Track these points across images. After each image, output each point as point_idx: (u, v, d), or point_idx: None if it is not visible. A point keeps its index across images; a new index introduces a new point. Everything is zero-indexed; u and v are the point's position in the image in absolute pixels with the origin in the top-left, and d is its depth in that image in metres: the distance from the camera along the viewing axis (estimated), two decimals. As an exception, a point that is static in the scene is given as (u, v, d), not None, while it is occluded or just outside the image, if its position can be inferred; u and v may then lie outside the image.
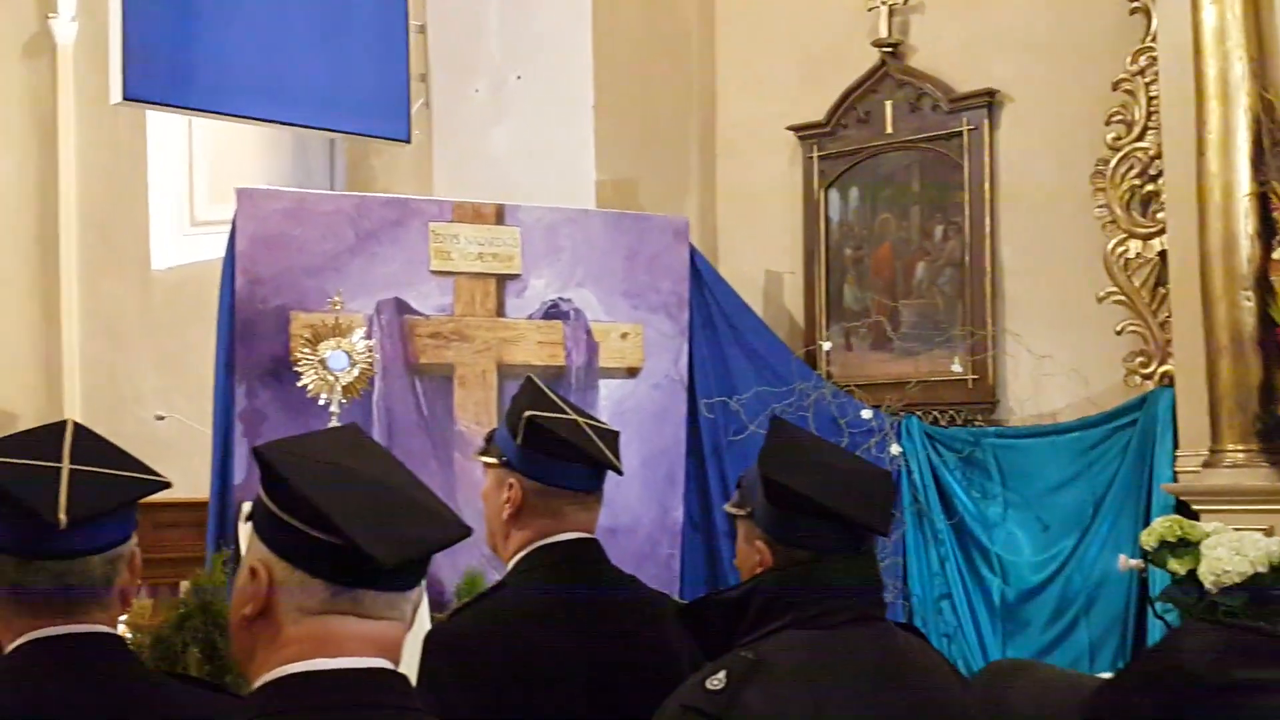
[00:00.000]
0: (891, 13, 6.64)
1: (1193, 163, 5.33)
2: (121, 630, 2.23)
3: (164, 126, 8.57)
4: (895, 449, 6.12)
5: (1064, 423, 6.02)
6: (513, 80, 6.93)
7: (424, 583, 1.69)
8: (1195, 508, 5.27)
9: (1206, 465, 5.32)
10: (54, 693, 1.99)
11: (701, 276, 6.47)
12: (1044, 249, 6.26)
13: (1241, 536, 4.82)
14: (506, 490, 2.70)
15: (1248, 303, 5.19)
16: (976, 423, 6.28)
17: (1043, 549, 5.88)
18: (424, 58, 7.16)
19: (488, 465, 2.78)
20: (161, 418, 7.21)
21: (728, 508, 2.55)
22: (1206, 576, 4.76)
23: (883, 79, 6.69)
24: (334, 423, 5.46)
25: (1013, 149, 6.37)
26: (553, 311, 6.22)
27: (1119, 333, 5.91)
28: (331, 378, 5.47)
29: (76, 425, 2.12)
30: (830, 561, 2.28)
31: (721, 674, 2.19)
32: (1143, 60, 5.83)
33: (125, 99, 6.12)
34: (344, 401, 5.50)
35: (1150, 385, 5.78)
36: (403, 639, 1.67)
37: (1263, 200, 5.20)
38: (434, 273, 6.07)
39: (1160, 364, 5.79)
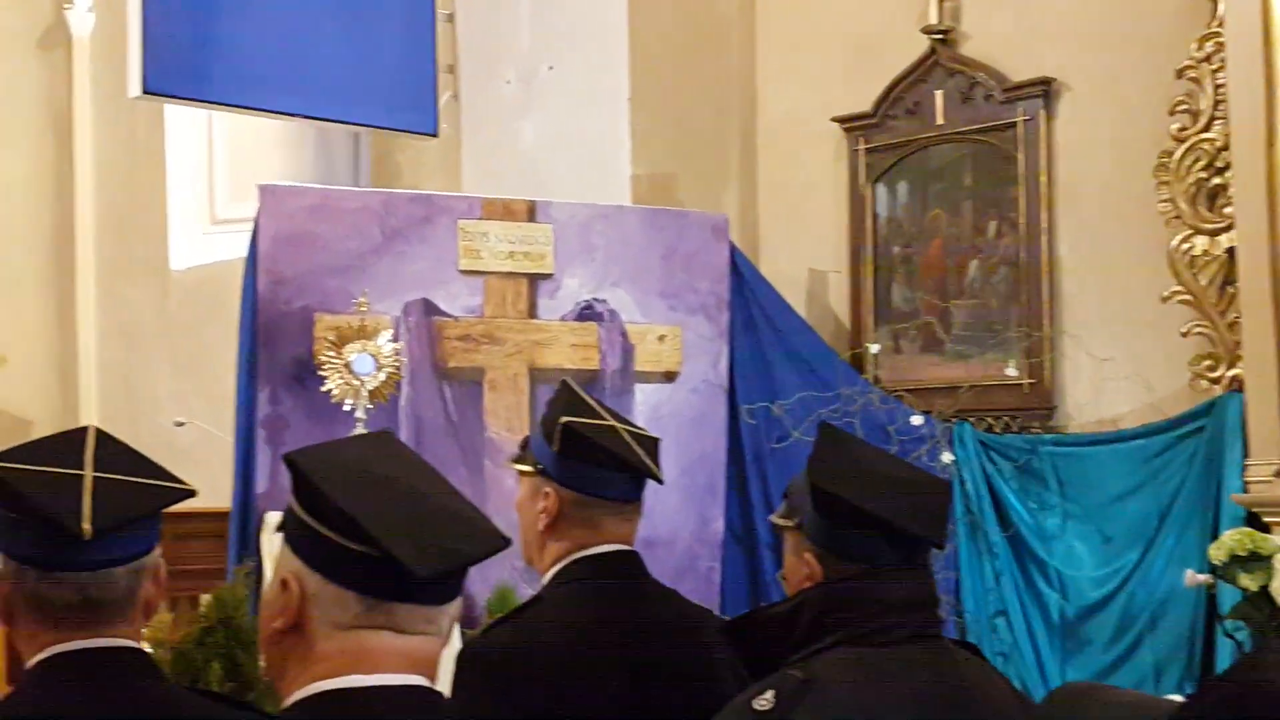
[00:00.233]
0: (942, -3, 6.63)
1: (1263, 154, 5.29)
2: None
3: (183, 121, 8.62)
4: (947, 457, 6.10)
5: (1126, 430, 5.99)
6: (545, 71, 6.94)
7: (460, 596, 1.69)
8: (1267, 520, 5.23)
9: (1279, 475, 5.28)
10: (77, 709, 2.00)
11: (742, 276, 6.46)
12: (1104, 246, 6.22)
13: (1316, 549, 4.78)
14: (542, 500, 2.70)
15: (1322, 302, 5.15)
16: (1033, 430, 6.25)
17: (1104, 563, 5.85)
18: (452, 48, 7.17)
19: (522, 474, 2.78)
20: (180, 424, 7.23)
21: (774, 518, 2.54)
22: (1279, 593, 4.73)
23: (933, 67, 6.67)
24: (359, 429, 5.48)
25: (1070, 140, 6.34)
26: (587, 313, 6.23)
27: (1185, 334, 5.87)
28: (357, 382, 5.49)
29: (98, 431, 2.13)
30: (884, 575, 2.27)
31: (769, 694, 2.18)
32: (1209, 46, 5.78)
33: (144, 92, 6.15)
34: (370, 407, 5.52)
35: (1218, 390, 5.73)
36: (439, 654, 1.67)
37: (1337, 193, 5.16)
38: (463, 272, 6.08)
39: (1229, 367, 5.74)
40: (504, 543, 1.67)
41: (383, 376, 5.53)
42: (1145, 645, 5.68)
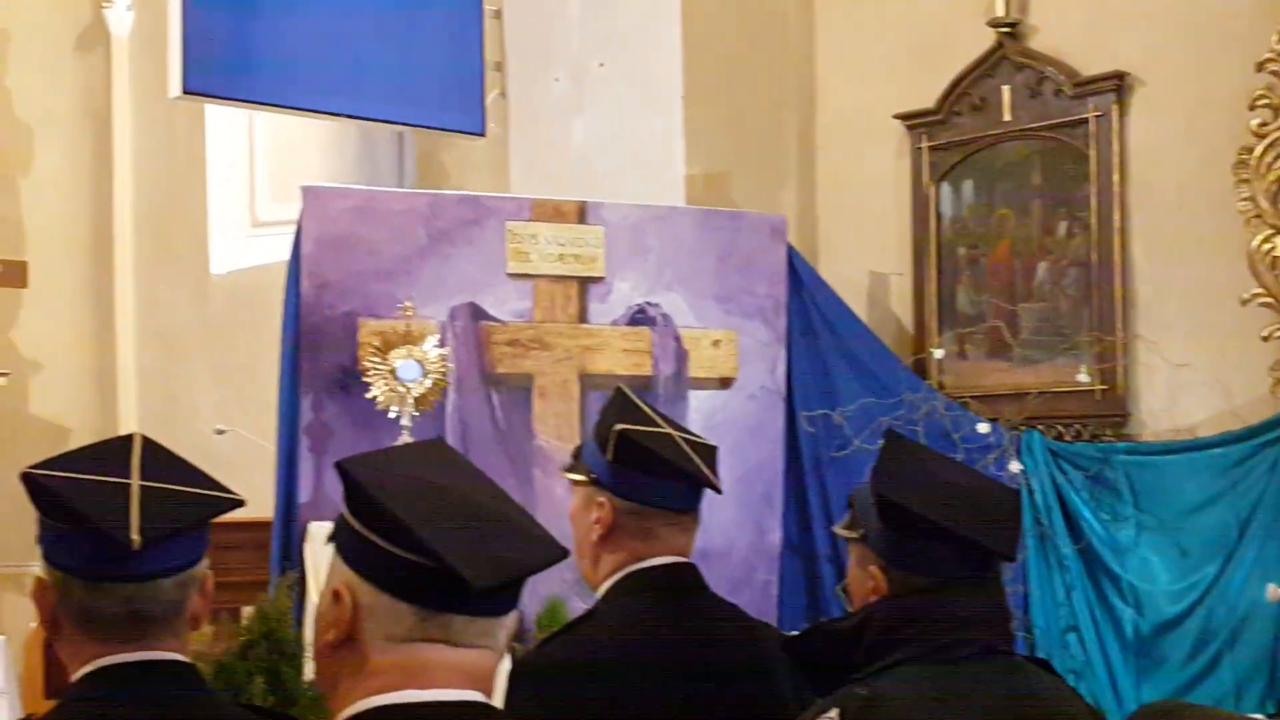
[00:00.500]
0: (1009, -11, 6.61)
1: (1348, 150, 5.24)
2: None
3: (224, 121, 8.69)
4: (1015, 467, 6.08)
5: (1204, 438, 5.95)
6: (595, 68, 6.95)
7: (516, 609, 1.70)
8: (1352, 531, 5.18)
9: (1364, 485, 5.23)
10: (124, 724, 2.02)
11: (800, 279, 6.46)
12: (1180, 246, 6.19)
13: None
14: (596, 510, 2.70)
15: None
16: (1105, 438, 6.22)
17: (1181, 577, 5.81)
18: (500, 44, 7.19)
19: (575, 483, 2.79)
20: (221, 432, 7.29)
21: (838, 529, 2.54)
22: (1365, 608, 4.68)
23: (1000, 61, 6.65)
24: (405, 437, 5.51)
25: (1144, 136, 6.30)
26: (639, 317, 6.24)
27: (1265, 339, 5.83)
28: (402, 389, 5.52)
29: (145, 439, 2.15)
30: (952, 589, 2.27)
31: (834, 712, 2.18)
32: (1290, 37, 5.75)
33: (184, 92, 6.20)
34: (415, 414, 5.55)
35: (1300, 396, 5.69)
36: (495, 668, 1.68)
37: None
38: (511, 276, 6.11)
39: (1312, 372, 5.71)
40: (562, 553, 1.68)
41: (429, 383, 5.56)
42: (1224, 663, 5.64)
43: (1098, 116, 6.36)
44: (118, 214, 9.18)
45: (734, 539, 6.16)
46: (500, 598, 1.66)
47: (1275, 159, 5.81)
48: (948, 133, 6.79)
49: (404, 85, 6.84)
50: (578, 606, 5.27)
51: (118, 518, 2.01)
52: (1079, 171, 6.41)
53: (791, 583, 6.33)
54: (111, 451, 2.13)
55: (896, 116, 6.93)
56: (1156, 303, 6.27)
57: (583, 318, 6.18)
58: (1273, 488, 5.61)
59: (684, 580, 2.70)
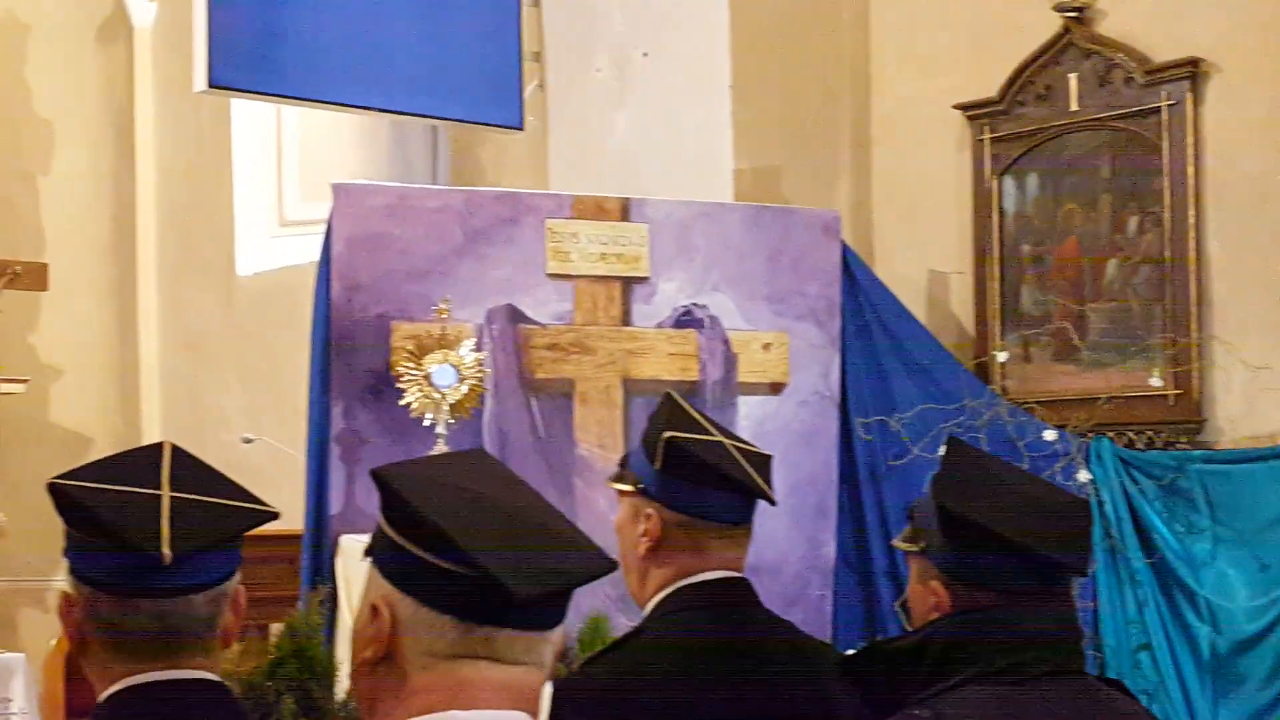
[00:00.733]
0: (1076, -28, 6.59)
1: None
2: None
3: (250, 116, 8.75)
4: (1083, 476, 6.06)
5: (1284, 445, 5.92)
6: (639, 58, 6.96)
7: (563, 625, 1.70)
8: None
9: None
10: (152, 746, 2.04)
11: (855, 278, 6.45)
12: (1258, 242, 6.16)
13: None
14: (644, 522, 2.70)
15: None
16: (1179, 445, 6.20)
17: (1261, 592, 5.78)
18: (538, 34, 7.22)
19: (621, 494, 2.79)
20: (249, 441, 7.35)
21: (897, 542, 2.53)
22: None
23: (1066, 48, 6.63)
24: (440, 446, 5.53)
25: (1220, 126, 6.27)
26: (685, 319, 6.25)
27: (1349, 340, 5.79)
28: (437, 395, 5.55)
29: (174, 448, 2.17)
30: (1019, 605, 2.26)
31: (894, 735, 2.18)
32: (1375, 21, 5.71)
33: (210, 86, 6.25)
34: (451, 421, 5.57)
35: (1387, 401, 5.65)
36: (542, 688, 1.68)
37: None
38: (551, 276, 6.13)
39: (1400, 376, 5.66)
40: (610, 565, 1.68)
41: (465, 389, 5.59)
42: (1307, 684, 5.61)
43: (1170, 105, 6.33)
44: (140, 213, 9.26)
45: (786, 553, 6.16)
46: (545, 611, 1.66)
47: (1360, 149, 5.78)
48: (1011, 124, 6.77)
49: (438, 77, 6.87)
50: (621, 624, 5.28)
51: (148, 531, 2.02)
52: (1151, 164, 6.39)
53: (846, 599, 6.33)
54: (140, 461, 2.14)
55: (957, 107, 6.92)
56: (1233, 302, 6.24)
57: (626, 320, 6.19)
58: (1359, 498, 5.58)
59: (736, 596, 2.70)
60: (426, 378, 5.56)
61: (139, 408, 9.18)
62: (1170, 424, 6.29)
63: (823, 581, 6.28)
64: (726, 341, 6.27)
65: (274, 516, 2.14)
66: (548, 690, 1.76)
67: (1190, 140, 6.30)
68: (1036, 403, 6.42)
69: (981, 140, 6.85)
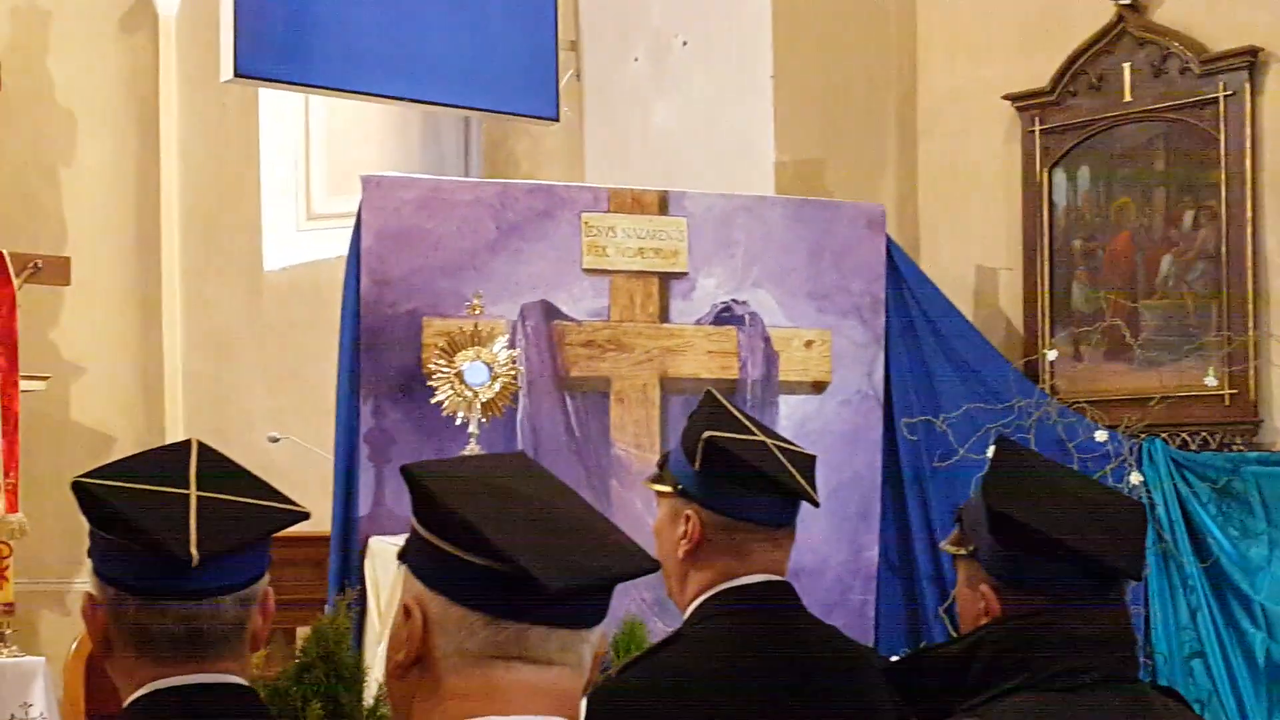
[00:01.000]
0: (1130, -42, 6.56)
1: None
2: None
3: (278, 107, 8.78)
4: (1135, 478, 6.05)
5: (1344, 447, 5.89)
6: (678, 47, 6.97)
7: (602, 625, 1.70)
8: None
9: None
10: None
11: (900, 274, 6.45)
12: (1319, 238, 6.12)
13: None
14: (683, 524, 2.70)
15: None
16: (1235, 446, 6.17)
17: (1320, 599, 5.76)
18: (574, 22, 7.24)
19: (660, 494, 2.79)
20: (275, 440, 7.37)
21: (945, 545, 2.53)
22: None
23: (1120, 37, 6.60)
24: (472, 445, 5.54)
25: (1279, 118, 6.23)
26: (725, 316, 6.25)
27: None
28: (469, 393, 5.56)
29: (202, 446, 2.18)
30: (1071, 610, 2.25)
31: (942, 744, 2.18)
32: None
33: (236, 75, 6.29)
34: (484, 420, 5.58)
35: None
36: (580, 691, 1.68)
37: None
38: (587, 271, 6.13)
39: None
40: (651, 566, 1.68)
41: (498, 387, 5.59)
42: (1367, 695, 5.58)
43: (1228, 96, 6.30)
44: (165, 206, 9.29)
45: (827, 557, 6.15)
46: (581, 608, 1.66)
47: None
48: (1062, 115, 6.75)
49: (471, 67, 6.89)
50: (658, 629, 5.29)
51: (175, 532, 2.03)
52: (1207, 156, 6.36)
53: (890, 604, 6.32)
54: (167, 459, 2.15)
55: (1006, 97, 6.90)
56: (1292, 300, 6.21)
57: (664, 317, 6.19)
58: None
59: (779, 600, 2.70)
60: (458, 375, 5.57)
61: (162, 406, 9.21)
62: (1225, 424, 6.26)
63: (865, 586, 6.28)
64: (767, 339, 6.27)
65: (305, 517, 2.15)
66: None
67: (1248, 132, 6.27)
68: (1087, 402, 6.40)
69: (1032, 132, 6.82)
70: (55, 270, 8.11)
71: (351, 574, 5.74)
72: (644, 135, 6.97)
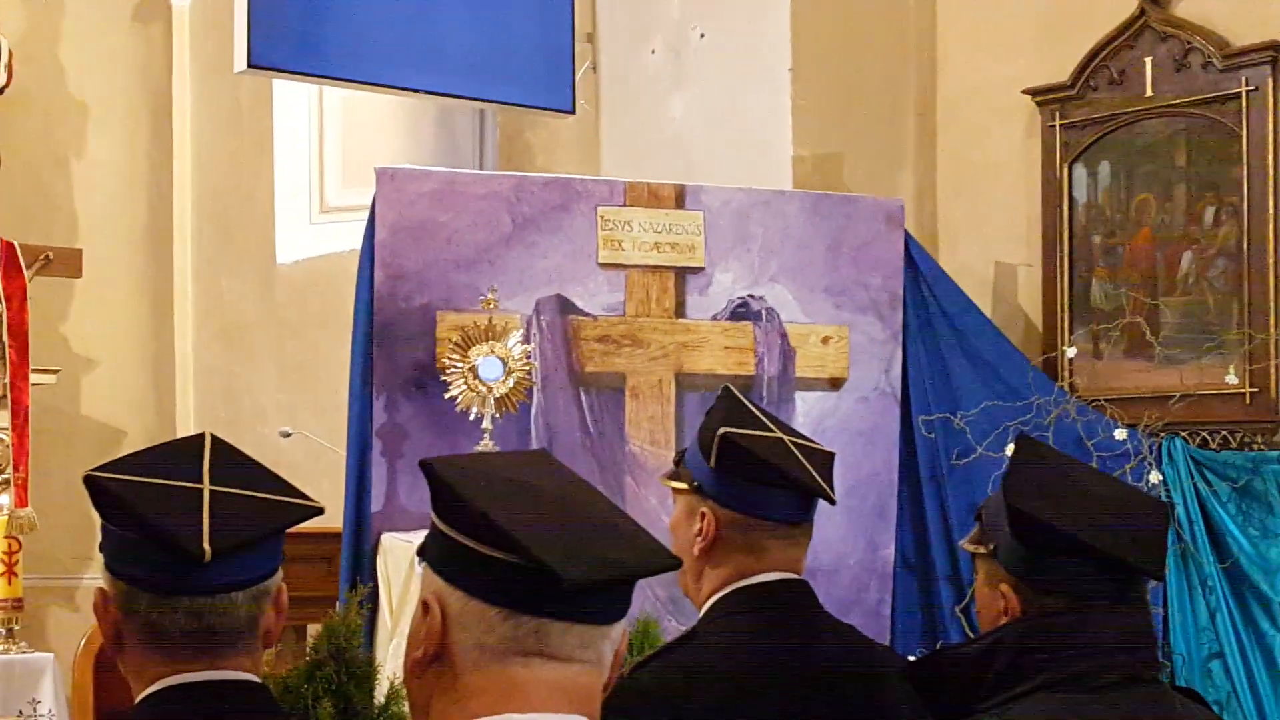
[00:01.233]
0: (1152, -50, 6.54)
1: None
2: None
3: (292, 99, 8.79)
4: (1155, 477, 6.03)
5: (1366, 447, 5.88)
6: (695, 39, 6.96)
7: (623, 622, 1.70)
8: None
9: None
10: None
11: (918, 270, 6.43)
12: (1342, 235, 6.10)
13: None
14: (699, 521, 2.71)
15: None
16: (1256, 445, 6.16)
17: (1342, 601, 5.75)
18: (591, 14, 7.23)
19: (676, 491, 2.80)
20: (287, 434, 7.39)
21: (964, 544, 2.53)
22: None
23: (1141, 31, 6.58)
24: (486, 441, 5.54)
25: (1303, 113, 6.22)
26: (741, 311, 6.24)
27: None
28: (484, 388, 5.56)
29: (215, 439, 2.17)
30: (1092, 610, 2.25)
31: (962, 744, 2.17)
32: None
33: (250, 66, 6.30)
34: (497, 416, 5.58)
35: None
36: (599, 688, 1.67)
37: None
38: (603, 266, 6.13)
39: None
40: (672, 563, 1.68)
41: (512, 382, 5.59)
42: (1390, 698, 5.57)
43: (1250, 91, 6.28)
44: (177, 199, 9.30)
45: (843, 555, 6.15)
46: (603, 602, 1.66)
47: None
48: (1083, 109, 6.73)
49: (486, 59, 6.89)
50: (671, 626, 5.29)
51: (188, 527, 2.02)
52: (1229, 152, 6.33)
53: (906, 603, 6.31)
54: (180, 453, 2.15)
55: (1025, 91, 6.88)
56: (1315, 297, 6.19)
57: (680, 312, 6.19)
58: None
59: (795, 598, 2.70)
60: (472, 370, 5.57)
61: (174, 400, 9.23)
62: (1246, 423, 6.24)
63: (881, 585, 6.27)
64: (784, 335, 6.27)
65: (319, 512, 2.15)
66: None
67: (1271, 128, 6.24)
68: (1106, 400, 6.39)
69: (1052, 126, 6.80)
70: (66, 262, 8.12)
71: (363, 570, 5.75)
72: (661, 128, 6.96)
